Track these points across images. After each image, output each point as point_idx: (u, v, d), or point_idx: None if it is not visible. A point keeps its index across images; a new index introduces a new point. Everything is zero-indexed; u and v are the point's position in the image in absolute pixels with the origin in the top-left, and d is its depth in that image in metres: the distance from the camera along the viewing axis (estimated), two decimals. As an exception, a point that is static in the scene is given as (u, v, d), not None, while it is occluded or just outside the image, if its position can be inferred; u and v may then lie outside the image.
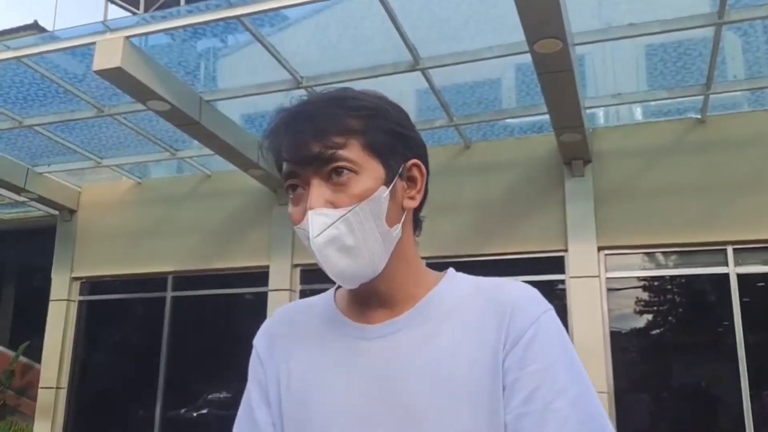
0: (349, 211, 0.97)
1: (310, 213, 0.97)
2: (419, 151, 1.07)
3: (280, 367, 1.10)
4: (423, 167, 1.06)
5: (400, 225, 1.02)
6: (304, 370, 1.06)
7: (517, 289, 1.02)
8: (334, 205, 0.97)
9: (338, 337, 1.06)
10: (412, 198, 1.05)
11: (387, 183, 1.00)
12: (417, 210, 1.09)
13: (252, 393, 1.13)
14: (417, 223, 1.10)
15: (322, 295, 1.15)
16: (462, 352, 0.98)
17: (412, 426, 0.96)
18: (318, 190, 0.98)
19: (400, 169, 1.03)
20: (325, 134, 0.97)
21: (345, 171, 0.97)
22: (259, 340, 1.16)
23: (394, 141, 1.02)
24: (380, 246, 0.99)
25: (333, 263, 0.98)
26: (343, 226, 0.97)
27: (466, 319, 1.00)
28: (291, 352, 1.10)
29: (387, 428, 0.96)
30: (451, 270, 1.10)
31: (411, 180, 1.05)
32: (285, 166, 1.02)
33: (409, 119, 1.08)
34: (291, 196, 1.03)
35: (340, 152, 0.97)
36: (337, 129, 0.98)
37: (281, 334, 1.14)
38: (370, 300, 1.05)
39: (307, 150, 0.98)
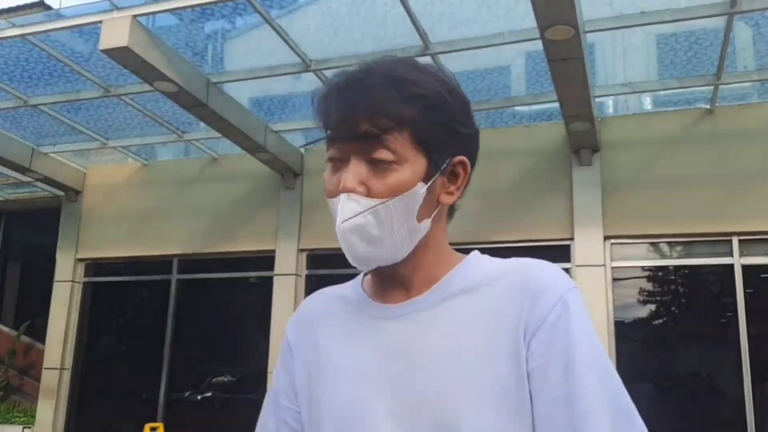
0: (381, 203, 0.95)
1: (342, 196, 0.96)
2: (469, 146, 1.04)
3: (309, 351, 1.11)
4: (468, 165, 1.04)
5: (430, 219, 1.01)
6: (329, 350, 1.07)
7: (541, 270, 1.00)
8: (368, 190, 0.96)
9: (361, 317, 1.07)
10: (450, 194, 1.03)
11: (427, 178, 0.98)
12: (452, 207, 1.07)
13: (279, 380, 1.15)
14: (451, 211, 1.09)
15: (351, 281, 1.16)
16: (481, 332, 0.97)
17: (431, 401, 0.96)
18: (356, 168, 0.97)
19: (444, 165, 1.00)
20: (375, 115, 0.95)
21: (386, 158, 0.96)
22: (290, 327, 1.17)
23: (445, 136, 0.99)
24: (405, 239, 0.99)
25: (354, 249, 0.98)
26: (371, 217, 0.96)
27: (486, 298, 1.00)
28: (319, 335, 1.11)
29: (405, 402, 0.97)
30: (475, 252, 1.09)
31: (453, 175, 1.03)
32: (329, 134, 1.01)
33: (468, 110, 1.04)
34: (329, 165, 1.02)
35: (387, 138, 0.95)
36: (389, 113, 0.95)
37: (310, 319, 1.14)
38: (391, 281, 1.05)
39: (355, 127, 0.96)
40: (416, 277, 1.04)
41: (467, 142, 1.04)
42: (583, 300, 0.99)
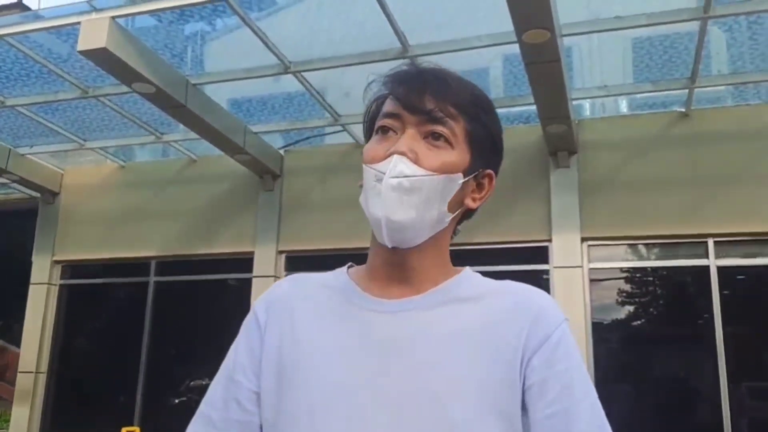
0: (428, 175, 1.01)
1: (395, 157, 1.00)
2: (497, 164, 1.13)
3: (283, 334, 1.09)
4: (494, 181, 1.11)
5: (452, 216, 1.07)
6: (311, 336, 1.06)
7: (540, 295, 1.06)
8: (417, 161, 1.01)
9: (353, 309, 1.07)
10: (474, 199, 1.10)
11: (465, 174, 1.05)
12: (463, 217, 1.13)
13: (239, 356, 1.11)
14: (461, 222, 1.14)
15: (333, 271, 1.16)
16: (475, 337, 1.01)
17: (420, 397, 0.97)
18: (412, 139, 1.02)
19: (478, 171, 1.08)
20: (445, 99, 1.03)
21: (442, 138, 1.02)
22: (260, 306, 1.15)
23: (488, 144, 1.09)
24: (433, 221, 1.03)
25: (389, 207, 0.99)
26: (417, 184, 1.00)
27: (486, 310, 1.04)
28: (297, 319, 1.09)
29: (396, 396, 0.98)
30: (467, 268, 1.13)
31: (479, 186, 1.10)
32: (390, 105, 1.05)
33: (501, 135, 1.14)
34: (377, 136, 1.06)
35: (449, 121, 1.03)
36: (456, 102, 1.04)
37: (287, 301, 1.13)
38: (393, 275, 1.07)
39: (423, 102, 1.02)
40: (418, 273, 1.07)
41: (497, 161, 1.13)
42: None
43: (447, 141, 1.02)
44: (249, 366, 1.09)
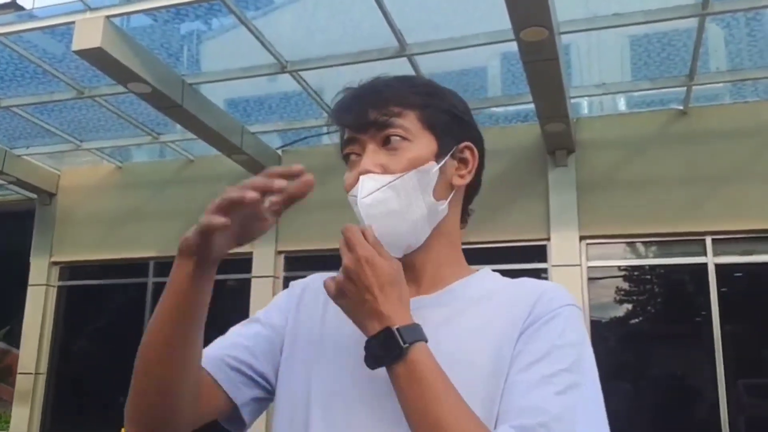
0: (398, 177, 1.01)
1: (361, 177, 1.02)
2: (474, 135, 1.12)
3: (313, 320, 1.12)
4: (476, 151, 1.10)
5: (447, 201, 1.06)
6: (332, 331, 1.08)
7: (549, 284, 1.06)
8: (385, 170, 1.02)
9: None
10: (461, 176, 1.09)
11: (438, 158, 1.05)
12: (467, 197, 1.13)
13: (269, 309, 1.16)
14: (465, 213, 1.14)
15: None
16: (483, 338, 0.99)
17: None
18: (372, 154, 1.04)
19: (453, 149, 1.08)
20: (385, 104, 1.04)
21: (399, 138, 1.03)
22: (302, 287, 1.19)
23: (450, 121, 1.08)
24: (424, 217, 1.03)
25: (376, 227, 1.00)
26: (390, 191, 1.01)
27: (494, 307, 1.02)
28: (329, 313, 1.10)
29: (387, 393, 0.97)
30: (486, 267, 1.13)
31: (462, 161, 1.09)
32: (345, 133, 1.08)
33: (467, 108, 1.13)
34: (347, 166, 1.08)
35: (396, 120, 1.04)
36: (397, 101, 1.05)
37: (314, 294, 1.15)
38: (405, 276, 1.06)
39: (366, 117, 1.05)
40: (429, 273, 1.07)
41: (471, 131, 1.11)
42: (582, 320, 1.02)
43: (404, 138, 1.03)
44: (277, 317, 1.15)
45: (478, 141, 1.12)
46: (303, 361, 1.08)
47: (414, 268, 1.06)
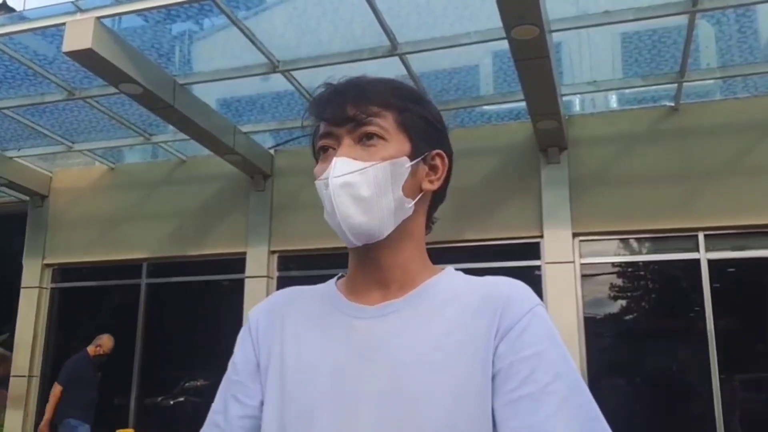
0: (371, 165, 1.03)
1: (335, 159, 1.04)
2: (446, 146, 1.14)
3: (273, 343, 1.11)
4: (446, 158, 1.13)
5: (414, 201, 1.07)
6: (299, 345, 1.08)
7: (511, 285, 1.06)
8: (358, 160, 1.04)
9: (334, 315, 1.09)
10: (431, 181, 1.11)
11: (411, 158, 1.07)
12: (432, 205, 1.14)
13: (236, 362, 1.14)
14: (429, 220, 1.15)
15: (324, 283, 1.19)
16: (454, 339, 1.00)
17: (398, 399, 0.97)
18: (348, 147, 1.05)
19: (425, 154, 1.10)
20: (365, 102, 1.06)
21: (375, 136, 1.05)
22: (256, 315, 1.18)
23: (426, 127, 1.10)
24: (391, 209, 1.05)
25: (343, 209, 1.03)
26: (361, 177, 1.03)
27: (462, 309, 1.03)
28: (287, 330, 1.11)
29: (372, 400, 0.98)
30: (449, 267, 1.13)
31: (433, 168, 1.12)
32: (322, 126, 1.09)
33: (442, 119, 1.16)
34: (320, 158, 1.09)
35: (375, 118, 1.05)
36: (377, 100, 1.07)
37: (279, 309, 1.16)
38: (371, 277, 1.08)
39: (346, 111, 1.06)
40: (396, 275, 1.07)
41: (443, 141, 1.13)
42: (549, 316, 1.04)
43: (380, 137, 1.05)
44: (245, 369, 1.13)
45: (449, 152, 1.14)
46: (276, 388, 1.08)
47: (381, 269, 1.07)
